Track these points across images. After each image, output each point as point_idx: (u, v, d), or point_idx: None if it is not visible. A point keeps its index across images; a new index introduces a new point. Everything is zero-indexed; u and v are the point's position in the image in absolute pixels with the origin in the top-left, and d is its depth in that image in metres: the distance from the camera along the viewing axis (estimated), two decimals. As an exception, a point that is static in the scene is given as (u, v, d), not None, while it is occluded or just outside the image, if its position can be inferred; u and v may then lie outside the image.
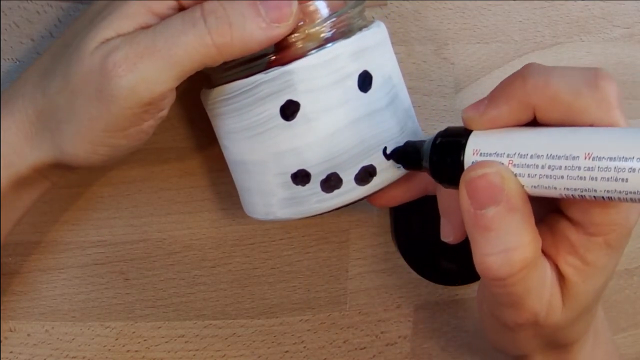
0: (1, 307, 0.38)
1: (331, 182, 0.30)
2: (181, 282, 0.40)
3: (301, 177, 0.30)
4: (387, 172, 0.31)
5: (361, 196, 0.30)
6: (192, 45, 0.26)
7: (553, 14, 0.41)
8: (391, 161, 0.31)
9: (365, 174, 0.30)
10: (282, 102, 0.29)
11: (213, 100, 0.31)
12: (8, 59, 0.35)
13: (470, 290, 0.45)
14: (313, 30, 0.29)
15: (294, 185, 0.30)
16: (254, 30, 0.27)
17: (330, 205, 0.30)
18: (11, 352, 0.38)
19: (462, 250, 0.44)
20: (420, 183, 0.34)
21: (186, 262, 0.40)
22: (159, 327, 0.40)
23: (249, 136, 0.30)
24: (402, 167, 0.31)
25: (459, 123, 0.41)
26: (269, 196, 0.31)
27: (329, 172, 0.30)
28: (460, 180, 0.26)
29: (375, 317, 0.43)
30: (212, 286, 0.40)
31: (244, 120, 0.30)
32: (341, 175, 0.30)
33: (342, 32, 0.30)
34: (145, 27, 0.27)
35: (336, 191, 0.30)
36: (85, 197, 0.37)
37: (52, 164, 0.30)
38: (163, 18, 0.28)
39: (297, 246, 0.41)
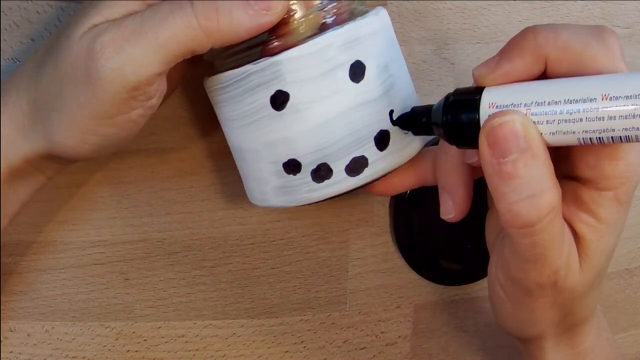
0: (1, 307, 0.38)
1: (321, 172, 0.30)
2: (181, 282, 0.40)
3: (292, 167, 0.30)
4: (380, 164, 0.30)
5: (352, 187, 0.30)
6: (179, 27, 0.27)
7: (553, 14, 0.41)
8: (384, 152, 0.30)
9: (357, 165, 0.30)
10: (271, 92, 0.29)
11: (211, 87, 0.31)
12: (8, 59, 0.35)
13: (470, 290, 0.45)
14: (311, 17, 0.29)
15: (286, 174, 0.30)
16: (241, 17, 0.27)
17: (320, 195, 0.30)
18: (11, 352, 0.38)
19: (462, 250, 0.44)
20: (420, 171, 0.34)
21: (186, 262, 0.40)
22: (159, 327, 0.40)
23: (243, 125, 0.30)
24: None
25: (459, 123, 0.41)
26: (263, 184, 0.31)
27: (319, 162, 0.30)
28: (480, 132, 0.26)
29: (375, 317, 0.43)
30: (212, 286, 0.40)
31: (238, 109, 0.30)
32: (331, 166, 0.30)
33: (343, 19, 0.30)
34: (133, 14, 0.28)
35: (326, 181, 0.30)
36: (85, 197, 0.37)
37: (43, 155, 0.30)
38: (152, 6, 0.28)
39: (297, 246, 0.41)
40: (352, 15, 0.30)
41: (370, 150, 0.30)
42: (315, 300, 0.42)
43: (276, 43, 0.29)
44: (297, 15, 0.29)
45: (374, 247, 0.42)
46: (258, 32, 0.28)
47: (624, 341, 0.50)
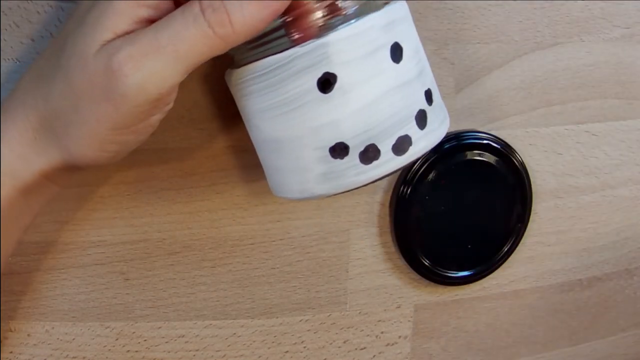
0: (1, 307, 0.38)
1: (369, 154, 0.30)
2: (181, 282, 0.40)
3: (339, 150, 0.30)
4: (422, 142, 0.31)
5: (398, 167, 0.30)
6: (195, 39, 0.27)
7: (553, 14, 0.41)
8: (425, 131, 0.31)
9: (403, 144, 0.30)
10: (318, 74, 0.29)
11: (241, 79, 0.31)
12: (8, 59, 0.35)
13: (470, 291, 0.45)
14: (340, 4, 0.29)
15: (332, 159, 0.30)
16: (253, 11, 0.27)
17: (368, 178, 0.30)
18: (11, 352, 0.38)
19: (462, 251, 0.44)
20: None
21: (186, 262, 0.40)
22: (159, 327, 0.40)
23: (284, 112, 0.30)
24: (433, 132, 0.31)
25: (460, 123, 0.42)
26: (305, 172, 0.31)
27: (367, 143, 0.30)
28: None
29: (375, 317, 0.43)
30: (212, 286, 0.40)
31: (278, 97, 0.30)
32: (379, 146, 0.30)
33: (364, 9, 0.30)
34: (140, 21, 0.28)
35: (374, 162, 0.30)
36: (85, 197, 0.37)
37: (60, 168, 0.30)
38: (156, 9, 0.28)
39: (297, 246, 0.41)
40: (371, 7, 0.30)
41: (413, 129, 0.30)
42: (315, 300, 0.42)
43: (297, 35, 0.29)
44: (329, 2, 0.29)
45: (374, 247, 0.42)
46: (274, 16, 0.28)
47: (624, 341, 0.50)
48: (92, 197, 0.37)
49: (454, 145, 0.41)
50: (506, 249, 0.44)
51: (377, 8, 0.30)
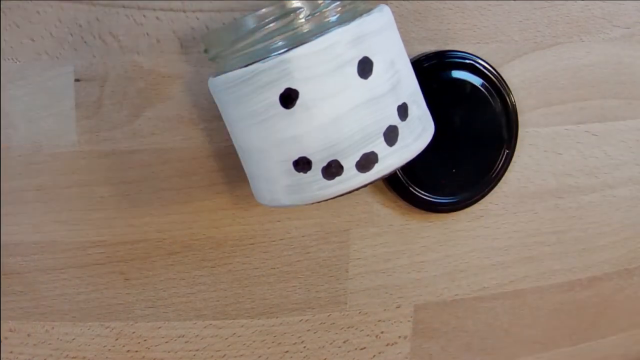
0: (1, 307, 0.38)
1: (332, 169, 0.30)
2: (181, 282, 0.40)
3: (302, 165, 0.30)
4: (390, 159, 0.31)
5: (362, 183, 0.31)
6: None
7: (553, 14, 0.41)
8: (394, 147, 0.30)
9: (367, 161, 0.30)
10: (281, 90, 0.29)
11: (217, 88, 0.31)
12: (8, 59, 0.35)
13: (470, 290, 0.45)
14: (316, 15, 0.29)
15: (296, 173, 0.30)
16: None
17: (332, 192, 0.30)
18: (11, 352, 0.38)
19: (446, 175, 0.41)
20: None
21: (186, 262, 0.40)
22: (159, 327, 0.40)
23: (251, 124, 0.30)
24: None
25: (459, 123, 0.41)
26: (273, 183, 0.31)
27: (329, 159, 0.30)
28: None
29: (375, 317, 0.43)
30: (212, 286, 0.40)
31: (246, 109, 0.30)
32: (342, 162, 0.30)
33: (347, 17, 0.30)
34: None
35: (337, 178, 0.30)
36: (85, 197, 0.37)
37: None
38: None
39: (297, 246, 0.41)
40: (354, 14, 0.30)
41: (380, 146, 0.30)
42: (315, 300, 0.42)
43: (282, 42, 0.29)
44: (302, 14, 0.29)
45: (374, 247, 0.42)
46: None
47: (624, 341, 0.50)
48: (92, 197, 0.37)
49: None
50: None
51: (356, 18, 0.30)
